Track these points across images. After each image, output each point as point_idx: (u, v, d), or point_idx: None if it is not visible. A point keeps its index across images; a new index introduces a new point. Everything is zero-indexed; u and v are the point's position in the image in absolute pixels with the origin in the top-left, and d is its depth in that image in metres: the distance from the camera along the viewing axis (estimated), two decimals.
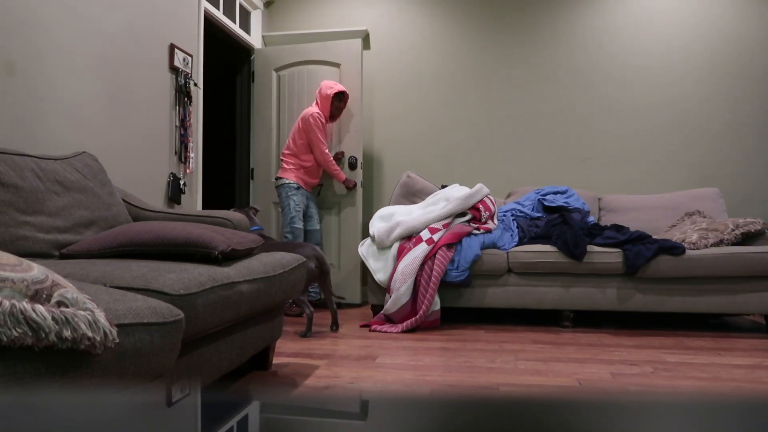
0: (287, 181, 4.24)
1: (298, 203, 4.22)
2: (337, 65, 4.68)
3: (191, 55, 3.74)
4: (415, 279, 3.57)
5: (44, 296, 1.00)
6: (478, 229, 3.84)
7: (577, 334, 3.43)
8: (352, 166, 4.62)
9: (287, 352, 2.92)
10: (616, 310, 3.62)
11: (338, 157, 4.63)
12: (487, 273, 3.68)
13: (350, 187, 4.52)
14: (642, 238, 3.60)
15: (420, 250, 3.63)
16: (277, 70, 4.86)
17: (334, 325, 3.51)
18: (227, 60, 6.81)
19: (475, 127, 4.90)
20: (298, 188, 4.24)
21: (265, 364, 2.52)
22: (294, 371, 2.53)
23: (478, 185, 3.97)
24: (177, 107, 3.60)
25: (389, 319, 3.63)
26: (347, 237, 4.67)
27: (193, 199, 3.83)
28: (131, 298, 1.29)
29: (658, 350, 3.00)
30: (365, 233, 4.98)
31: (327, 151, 4.28)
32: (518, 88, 4.85)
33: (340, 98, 4.37)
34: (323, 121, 4.25)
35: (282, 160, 4.32)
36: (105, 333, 1.05)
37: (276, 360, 2.73)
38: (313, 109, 4.24)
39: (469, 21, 4.91)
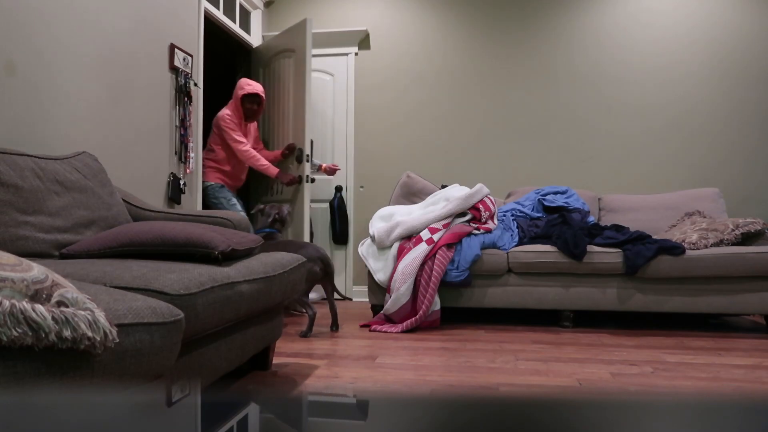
0: (210, 183, 4.14)
1: (229, 198, 4.12)
2: (293, 51, 4.47)
3: (191, 55, 3.74)
4: (415, 279, 3.57)
5: (44, 296, 1.00)
6: (478, 229, 3.84)
7: (577, 334, 3.43)
8: (299, 159, 4.35)
9: (287, 352, 2.92)
10: (616, 310, 3.62)
11: (287, 151, 4.36)
12: (487, 273, 3.67)
13: (286, 182, 4.21)
14: (642, 238, 3.60)
15: (420, 250, 3.63)
16: (263, 67, 4.84)
17: (334, 326, 3.51)
18: (227, 59, 6.81)
19: (475, 126, 4.90)
20: (222, 187, 4.14)
21: (265, 364, 2.52)
22: (294, 371, 2.53)
23: (478, 185, 3.97)
24: (177, 107, 3.60)
25: (389, 319, 3.63)
26: (293, 236, 4.43)
27: (193, 199, 3.83)
28: (131, 298, 1.29)
29: (658, 350, 3.00)
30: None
31: (246, 148, 4.09)
32: (518, 88, 4.85)
33: (252, 100, 4.16)
34: (236, 120, 4.10)
35: (204, 163, 4.20)
36: (105, 333, 1.05)
37: (276, 360, 2.73)
38: (224, 111, 4.11)
39: (470, 21, 4.91)
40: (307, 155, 4.30)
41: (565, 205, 4.17)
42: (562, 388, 2.29)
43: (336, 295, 4.75)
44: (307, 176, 4.31)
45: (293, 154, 4.38)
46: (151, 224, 2.01)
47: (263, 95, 4.21)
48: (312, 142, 4.54)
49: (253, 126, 4.41)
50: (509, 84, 4.86)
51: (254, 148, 4.42)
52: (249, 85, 4.13)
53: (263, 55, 4.81)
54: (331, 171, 4.72)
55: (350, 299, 3.69)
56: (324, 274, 3.40)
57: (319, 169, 4.79)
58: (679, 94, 4.65)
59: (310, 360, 2.74)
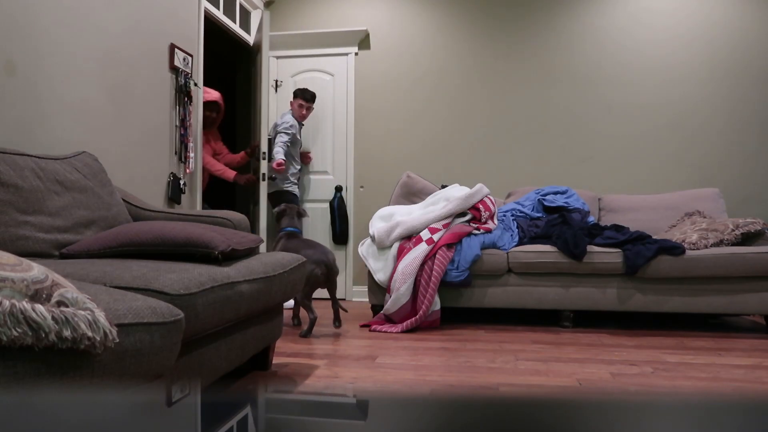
0: None
1: None
2: (260, 48, 4.47)
3: (191, 55, 3.74)
4: (415, 279, 3.57)
5: (44, 296, 1.00)
6: (478, 229, 3.84)
7: (577, 334, 3.43)
8: (256, 157, 4.33)
9: (287, 352, 2.92)
10: (616, 310, 3.62)
11: (251, 151, 4.33)
12: (487, 273, 3.67)
13: (243, 183, 4.24)
14: (642, 238, 3.60)
15: (420, 250, 3.63)
16: (253, 65, 4.83)
17: (337, 321, 3.55)
18: (227, 59, 6.81)
19: (475, 127, 4.90)
20: None
21: (265, 364, 2.52)
22: (294, 371, 2.53)
23: (478, 185, 3.97)
24: (177, 107, 3.60)
25: (389, 319, 3.63)
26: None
27: (193, 199, 3.83)
28: (131, 298, 1.29)
29: (658, 350, 3.00)
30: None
31: (203, 155, 4.08)
32: (518, 88, 4.85)
33: (210, 107, 4.15)
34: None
35: None
36: (105, 333, 1.05)
37: (276, 360, 2.73)
38: None
39: (470, 21, 4.91)
40: (264, 152, 4.25)
41: (565, 205, 4.17)
42: (562, 388, 2.29)
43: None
44: (263, 174, 4.24)
45: (255, 153, 4.34)
46: (151, 224, 2.01)
47: (222, 102, 4.20)
48: (270, 139, 4.51)
49: (213, 132, 4.39)
50: (509, 84, 4.86)
51: (219, 154, 4.42)
52: (207, 93, 4.11)
53: (253, 53, 4.82)
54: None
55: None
56: (326, 279, 3.40)
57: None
58: (679, 95, 4.65)
59: (310, 360, 2.74)
